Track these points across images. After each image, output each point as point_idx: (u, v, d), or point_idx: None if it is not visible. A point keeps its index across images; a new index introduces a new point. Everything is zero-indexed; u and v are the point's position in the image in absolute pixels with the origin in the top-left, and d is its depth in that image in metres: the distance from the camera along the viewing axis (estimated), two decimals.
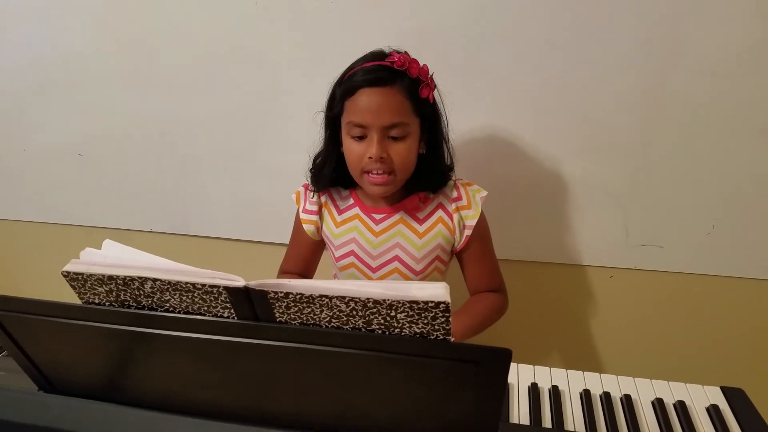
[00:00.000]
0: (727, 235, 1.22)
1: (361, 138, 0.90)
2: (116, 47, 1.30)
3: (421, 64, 0.90)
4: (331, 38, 1.18)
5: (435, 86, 0.93)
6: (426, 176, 0.98)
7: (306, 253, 1.10)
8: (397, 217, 1.01)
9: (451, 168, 1.01)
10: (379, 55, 0.90)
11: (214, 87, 1.29)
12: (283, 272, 1.13)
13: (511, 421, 0.77)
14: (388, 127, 0.88)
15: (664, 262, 1.28)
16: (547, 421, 0.77)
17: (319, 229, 1.06)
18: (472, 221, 1.00)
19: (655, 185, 1.20)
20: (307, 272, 1.13)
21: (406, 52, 0.91)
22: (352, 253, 1.02)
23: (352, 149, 0.92)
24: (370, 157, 0.89)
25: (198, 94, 1.30)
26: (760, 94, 1.09)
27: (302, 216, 1.06)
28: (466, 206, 1.00)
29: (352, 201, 1.04)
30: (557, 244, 1.31)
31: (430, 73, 0.92)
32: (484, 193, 1.01)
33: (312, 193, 1.04)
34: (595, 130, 1.17)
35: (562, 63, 1.12)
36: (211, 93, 1.30)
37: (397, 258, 1.01)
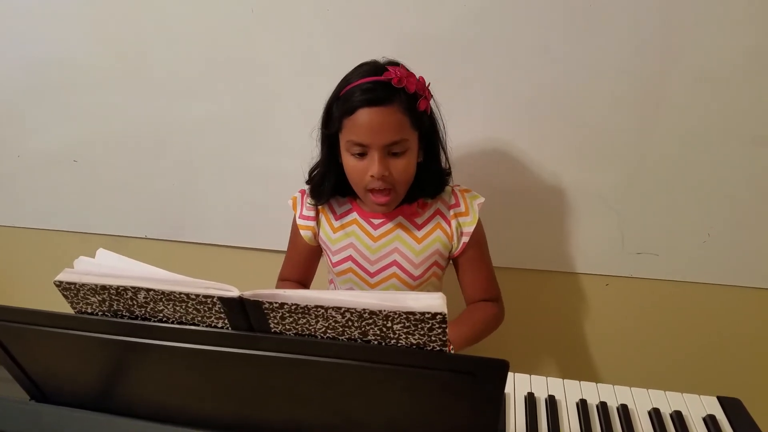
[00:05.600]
0: (723, 244, 1.22)
1: (362, 155, 0.90)
2: (111, 52, 1.29)
3: (417, 76, 0.89)
4: (326, 45, 1.18)
5: (431, 96, 0.93)
6: (425, 183, 0.98)
7: (303, 259, 1.10)
8: (395, 222, 1.01)
9: (448, 173, 1.01)
10: (374, 70, 0.88)
11: (210, 93, 1.28)
12: (282, 279, 1.13)
13: (507, 431, 0.76)
14: (389, 145, 0.88)
15: (660, 270, 1.28)
16: None
17: (316, 235, 1.05)
18: (469, 228, 1.00)
19: (651, 193, 1.21)
20: (305, 278, 1.13)
21: (402, 65, 0.90)
22: (350, 258, 1.02)
23: (353, 166, 0.91)
24: (372, 176, 0.89)
25: (194, 100, 1.30)
26: (755, 101, 1.09)
27: (299, 222, 1.05)
28: (464, 213, 1.00)
29: (349, 206, 1.03)
30: (553, 251, 1.30)
31: (427, 84, 0.91)
32: (481, 199, 1.02)
33: (309, 199, 1.04)
34: (590, 138, 1.17)
35: (557, 69, 1.12)
36: (207, 99, 1.29)
37: (395, 263, 1.00)
